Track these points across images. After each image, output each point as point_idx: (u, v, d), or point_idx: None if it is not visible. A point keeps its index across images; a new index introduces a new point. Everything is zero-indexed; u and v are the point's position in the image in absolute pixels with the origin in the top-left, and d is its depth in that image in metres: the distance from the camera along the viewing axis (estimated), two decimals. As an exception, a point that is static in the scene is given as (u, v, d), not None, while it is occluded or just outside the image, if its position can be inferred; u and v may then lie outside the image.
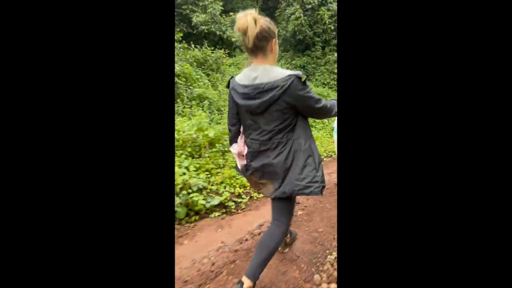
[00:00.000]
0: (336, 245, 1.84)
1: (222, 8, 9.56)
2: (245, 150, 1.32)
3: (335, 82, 9.42)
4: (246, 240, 1.99)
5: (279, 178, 1.23)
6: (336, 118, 2.33)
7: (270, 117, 1.16)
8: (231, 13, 9.77)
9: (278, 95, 1.09)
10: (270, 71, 1.12)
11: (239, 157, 1.35)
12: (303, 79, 1.09)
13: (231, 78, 1.27)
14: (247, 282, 1.24)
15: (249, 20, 1.06)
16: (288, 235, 1.77)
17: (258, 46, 1.11)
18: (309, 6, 9.49)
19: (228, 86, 1.27)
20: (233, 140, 1.36)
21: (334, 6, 9.51)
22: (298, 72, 1.11)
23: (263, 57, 1.15)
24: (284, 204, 1.33)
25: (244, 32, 1.09)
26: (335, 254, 1.74)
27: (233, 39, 9.19)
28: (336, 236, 1.95)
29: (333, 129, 2.77)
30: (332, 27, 9.56)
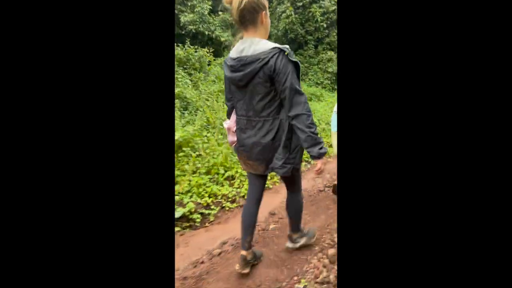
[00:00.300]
0: (307, 269, 1.51)
1: (211, 8, 9.28)
2: (234, 127, 1.31)
3: (329, 82, 9.12)
4: (202, 262, 1.66)
5: (267, 158, 1.23)
6: (335, 110, 2.22)
7: (254, 91, 1.15)
8: (220, 13, 9.49)
9: (259, 68, 1.08)
10: (255, 44, 1.10)
11: (230, 133, 1.35)
12: (286, 53, 1.07)
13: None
14: (294, 235, 1.62)
15: None
16: (251, 254, 1.48)
17: (247, 18, 1.10)
18: (300, 4, 9.20)
19: None
20: (229, 115, 1.37)
21: (326, 3, 9.23)
22: (285, 46, 1.09)
23: (253, 30, 1.13)
24: (288, 178, 1.36)
25: (231, 3, 1.08)
26: (304, 282, 1.41)
27: (222, 39, 8.89)
28: (309, 257, 1.62)
29: (331, 121, 2.40)
30: (325, 25, 9.27)
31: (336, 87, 9.09)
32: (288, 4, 9.23)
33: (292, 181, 1.42)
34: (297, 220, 1.56)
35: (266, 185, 1.60)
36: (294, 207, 1.52)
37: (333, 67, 9.03)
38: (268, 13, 1.16)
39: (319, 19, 9.08)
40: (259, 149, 1.22)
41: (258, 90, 1.14)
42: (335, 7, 9.23)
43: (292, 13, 9.11)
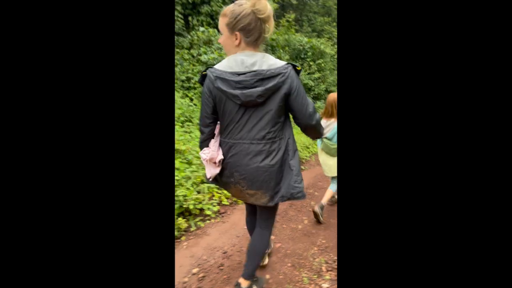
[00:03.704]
0: None
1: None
2: (218, 156, 1.13)
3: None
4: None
5: (273, 185, 1.13)
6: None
7: (267, 109, 1.06)
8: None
9: (281, 83, 1.03)
10: (268, 58, 1.05)
11: (211, 164, 1.16)
12: (299, 68, 1.08)
13: (205, 70, 1.10)
14: (244, 283, 1.32)
15: (269, 6, 1.03)
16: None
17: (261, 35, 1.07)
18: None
19: (202, 80, 1.11)
20: (204, 143, 1.18)
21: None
22: (293, 63, 1.07)
23: (256, 45, 1.08)
24: (271, 209, 1.28)
25: (268, 19, 1.04)
26: None
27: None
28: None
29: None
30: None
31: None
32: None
33: (273, 212, 1.32)
34: (257, 263, 1.34)
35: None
36: (262, 246, 1.33)
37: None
38: None
39: None
40: (266, 175, 1.10)
41: (273, 108, 1.06)
42: None
43: None
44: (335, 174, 2.27)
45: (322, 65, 8.30)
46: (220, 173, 1.17)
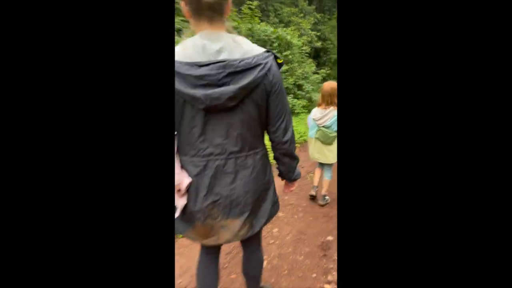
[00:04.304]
0: None
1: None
2: (185, 180, 0.82)
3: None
4: None
5: (256, 208, 0.90)
6: (312, 116, 2.32)
7: (241, 114, 0.79)
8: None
9: (261, 78, 0.75)
10: (241, 43, 0.77)
11: (176, 194, 0.84)
12: (280, 60, 0.82)
13: None
14: None
15: None
16: None
17: (220, 3, 0.75)
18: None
19: None
20: None
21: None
22: (275, 53, 0.82)
23: (220, 22, 0.77)
24: (255, 235, 1.07)
25: None
26: None
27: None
28: None
29: (309, 128, 2.45)
30: None
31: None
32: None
33: (259, 236, 1.10)
34: (260, 280, 1.20)
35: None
36: (258, 265, 1.15)
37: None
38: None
39: None
40: (249, 196, 0.85)
41: (251, 113, 0.79)
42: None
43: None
44: (332, 161, 2.32)
45: (290, 57, 7.83)
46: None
